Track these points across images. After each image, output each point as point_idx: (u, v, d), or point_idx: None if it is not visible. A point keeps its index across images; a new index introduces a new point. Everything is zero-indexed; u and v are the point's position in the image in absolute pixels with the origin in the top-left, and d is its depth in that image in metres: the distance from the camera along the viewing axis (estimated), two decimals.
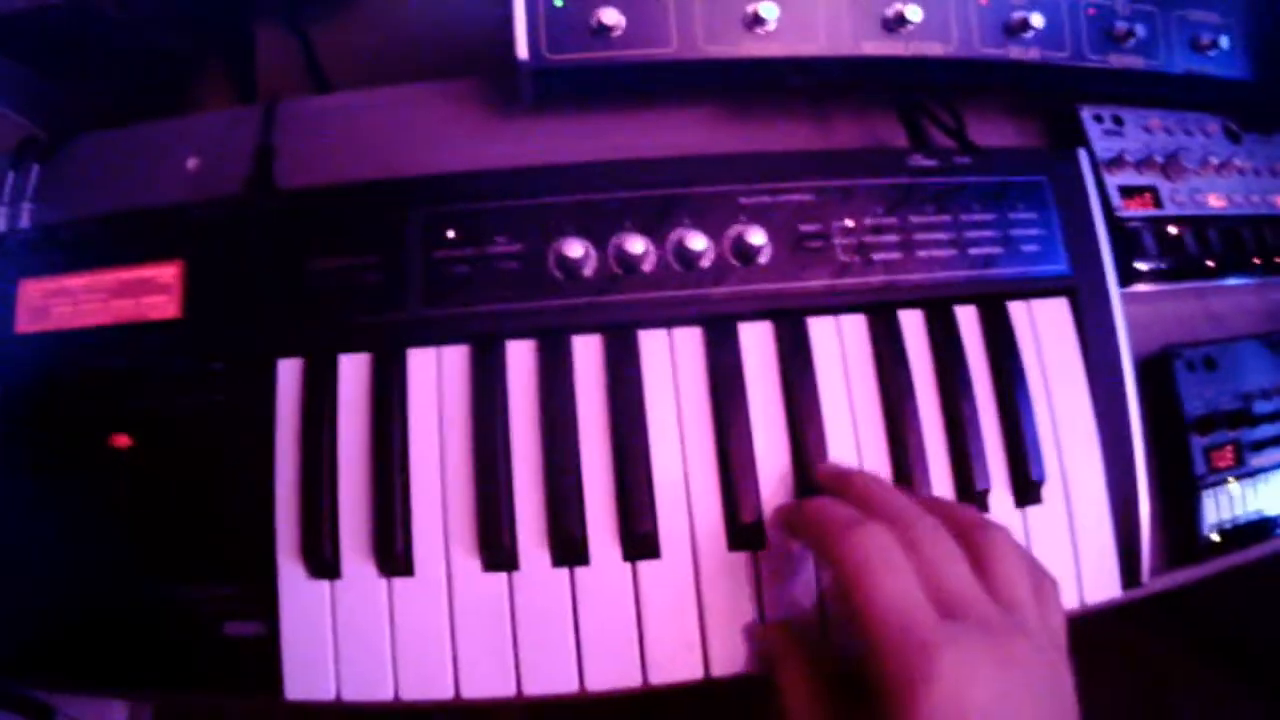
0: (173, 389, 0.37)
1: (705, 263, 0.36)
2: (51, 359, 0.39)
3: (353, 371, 0.36)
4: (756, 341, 0.36)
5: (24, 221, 0.42)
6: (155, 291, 0.38)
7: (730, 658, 0.34)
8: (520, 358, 0.36)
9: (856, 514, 0.29)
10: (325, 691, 0.35)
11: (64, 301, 0.39)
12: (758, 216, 0.36)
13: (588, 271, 0.36)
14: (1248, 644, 0.62)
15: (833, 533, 0.29)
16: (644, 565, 0.34)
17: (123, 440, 0.37)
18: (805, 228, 0.37)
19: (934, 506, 0.31)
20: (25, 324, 0.39)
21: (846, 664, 0.30)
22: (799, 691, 0.30)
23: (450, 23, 0.51)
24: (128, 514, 0.37)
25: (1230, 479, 0.43)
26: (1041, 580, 0.30)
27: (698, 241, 0.35)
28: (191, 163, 0.41)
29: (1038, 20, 0.43)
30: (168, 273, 0.38)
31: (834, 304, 0.37)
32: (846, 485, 0.33)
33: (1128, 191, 0.45)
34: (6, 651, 0.37)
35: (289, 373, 0.36)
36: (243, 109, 0.43)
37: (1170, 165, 0.46)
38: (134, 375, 0.38)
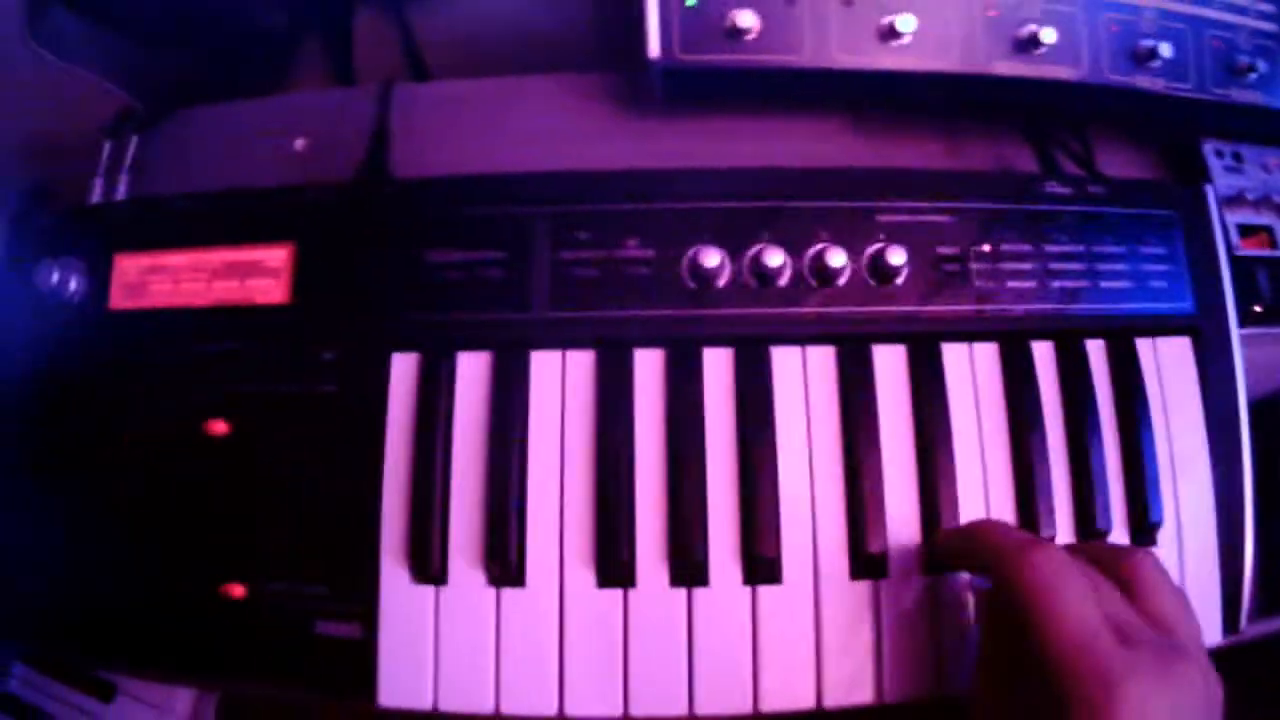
0: (278, 377, 0.36)
1: (842, 280, 0.35)
2: (147, 338, 0.37)
3: (472, 370, 0.35)
4: (890, 364, 0.35)
5: (120, 193, 0.41)
6: (263, 274, 0.37)
7: (844, 688, 0.33)
8: (648, 367, 0.35)
9: (1033, 536, 0.29)
10: (422, 700, 0.33)
11: (163, 279, 0.38)
12: (897, 235, 0.35)
13: (722, 282, 0.34)
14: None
15: (1012, 551, 0.28)
16: (764, 589, 0.33)
17: (220, 427, 0.36)
18: (943, 250, 0.36)
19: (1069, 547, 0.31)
20: (120, 300, 0.38)
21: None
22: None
23: (556, 15, 0.50)
24: (220, 502, 0.36)
25: None
26: (1187, 598, 0.30)
27: (837, 257, 0.34)
28: (299, 143, 0.40)
29: (1166, 50, 0.42)
30: (277, 256, 0.37)
31: (968, 330, 0.36)
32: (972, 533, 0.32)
33: (1245, 230, 0.44)
34: (84, 633, 0.36)
35: (404, 367, 0.35)
36: (353, 90, 0.41)
37: None
38: (237, 360, 0.36)
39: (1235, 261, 0.43)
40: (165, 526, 0.36)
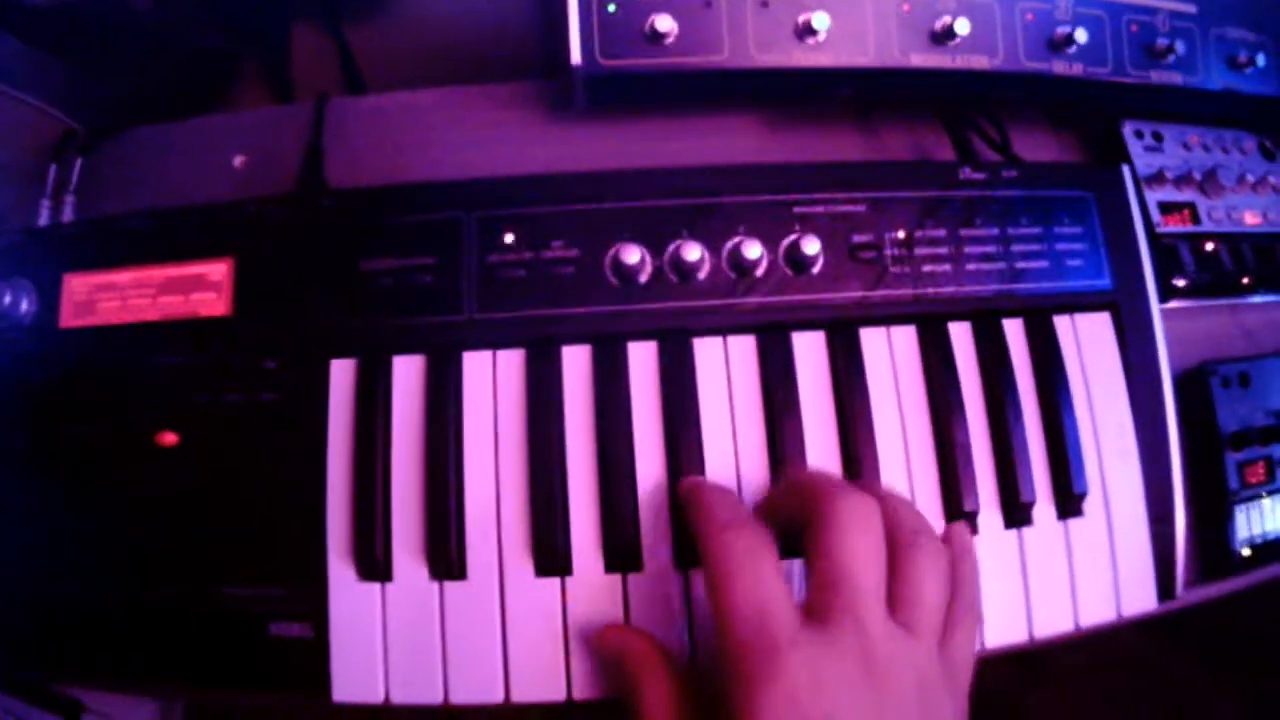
0: (222, 387, 0.37)
1: (760, 271, 0.36)
2: (97, 354, 0.38)
3: (407, 373, 0.36)
4: (809, 350, 0.36)
5: (67, 214, 0.42)
6: (205, 288, 0.38)
7: None
8: (575, 362, 0.36)
9: (737, 515, 0.29)
10: (374, 694, 0.35)
11: (111, 296, 0.39)
12: (812, 226, 0.37)
13: (644, 278, 0.36)
14: (1262, 662, 0.63)
15: (708, 531, 0.28)
16: (696, 572, 0.34)
17: (169, 438, 0.37)
18: (858, 238, 0.37)
19: (889, 504, 0.30)
20: (70, 318, 0.39)
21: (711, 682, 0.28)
22: (662, 701, 0.29)
23: (486, 26, 0.51)
24: (172, 512, 0.37)
25: (1263, 494, 0.44)
26: (961, 612, 0.29)
27: (753, 250, 0.35)
28: (238, 160, 0.41)
29: (1081, 36, 0.43)
30: (218, 270, 0.38)
31: (885, 315, 0.37)
32: (797, 480, 0.31)
33: (1166, 208, 0.45)
34: (44, 649, 0.37)
35: (342, 373, 0.36)
36: (289, 107, 0.43)
37: (1208, 182, 0.46)
38: (183, 372, 0.37)
39: (1156, 238, 0.44)
40: (119, 539, 0.37)
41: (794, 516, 0.29)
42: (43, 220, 0.42)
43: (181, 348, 0.38)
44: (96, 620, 0.36)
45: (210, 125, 0.43)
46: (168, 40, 0.47)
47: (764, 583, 0.26)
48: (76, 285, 0.39)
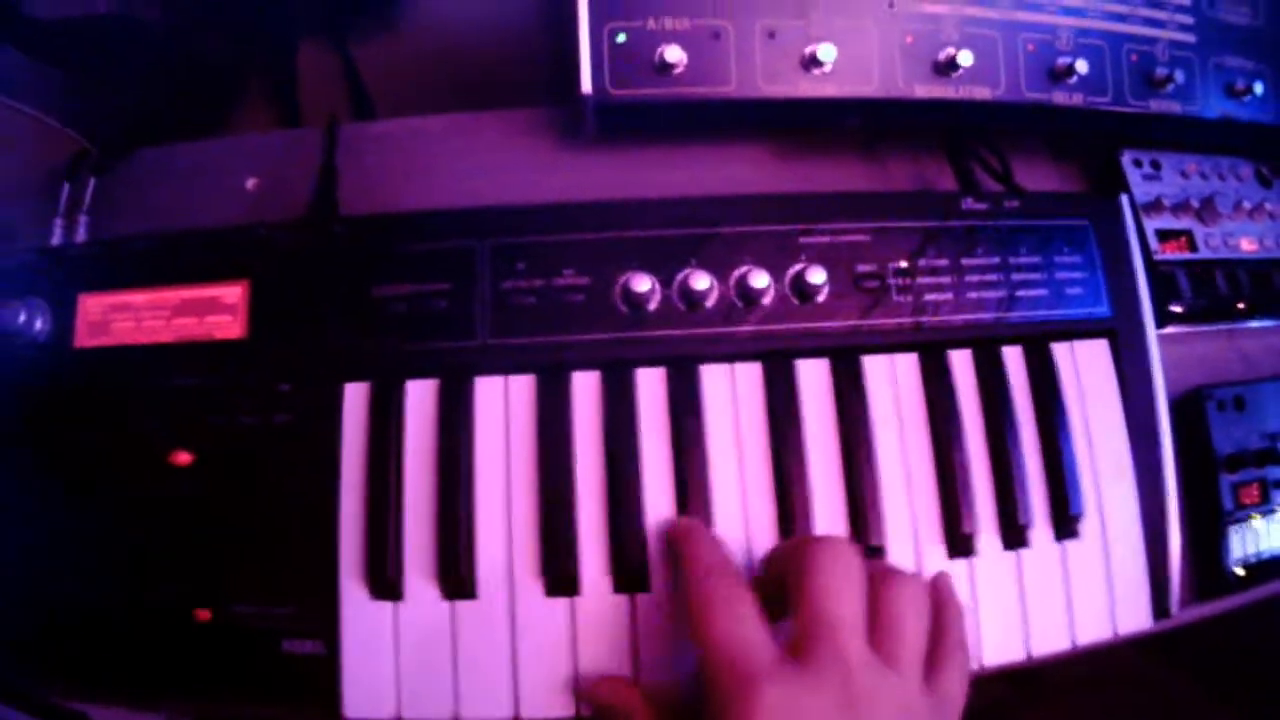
0: (237, 408, 0.38)
1: (766, 300, 0.37)
2: (112, 375, 0.39)
3: (420, 397, 0.37)
4: (814, 377, 0.37)
5: (81, 235, 0.43)
6: (220, 311, 0.39)
7: None
8: (585, 388, 0.37)
9: (719, 561, 0.30)
10: (385, 711, 0.35)
11: (126, 317, 0.40)
12: (817, 255, 0.37)
13: (653, 306, 0.36)
14: (1258, 678, 0.64)
15: (693, 575, 0.30)
16: None
17: (184, 458, 0.38)
18: (862, 268, 0.38)
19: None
20: (85, 338, 0.40)
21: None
22: None
23: (494, 47, 0.52)
24: (187, 530, 0.37)
25: (1256, 515, 0.45)
26: (949, 647, 0.30)
27: (760, 279, 0.36)
28: (250, 183, 0.42)
29: (1082, 66, 0.44)
30: (233, 293, 0.39)
31: (888, 342, 0.38)
32: (782, 547, 0.32)
33: (1164, 235, 0.46)
34: (57, 664, 0.38)
35: (355, 396, 0.37)
36: (300, 130, 0.43)
37: (1205, 209, 0.47)
38: (198, 394, 0.38)
39: (1154, 266, 0.45)
40: (133, 556, 0.37)
41: (783, 581, 0.30)
42: (56, 239, 0.42)
43: (196, 369, 0.38)
44: (109, 636, 0.37)
45: (222, 148, 0.44)
46: (176, 56, 0.48)
47: (744, 620, 0.27)
48: (91, 305, 0.40)
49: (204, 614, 0.36)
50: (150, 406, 0.39)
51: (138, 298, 0.40)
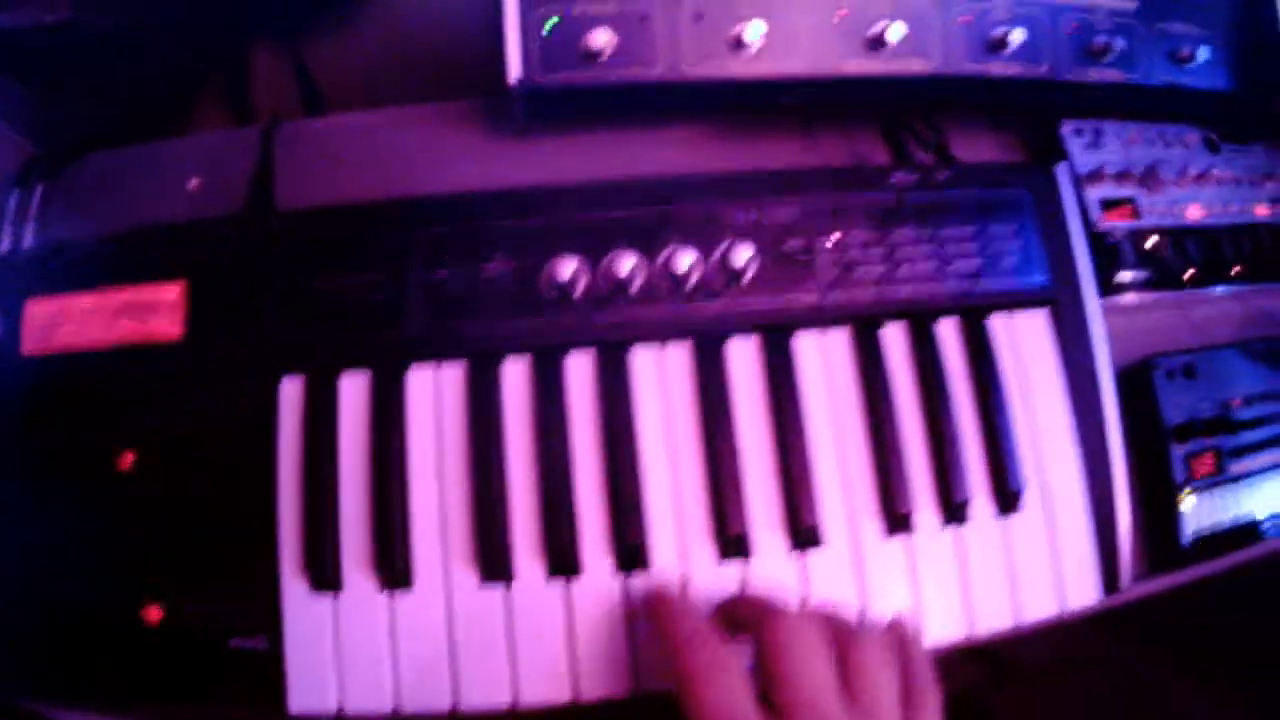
0: (177, 407, 0.38)
1: (693, 280, 0.37)
2: (58, 379, 0.40)
3: (353, 388, 0.37)
4: (744, 356, 0.37)
5: (28, 241, 0.43)
6: (159, 311, 0.39)
7: None
8: (516, 374, 0.37)
9: (696, 629, 0.31)
10: (327, 704, 0.36)
11: (69, 322, 0.40)
12: (744, 234, 0.37)
13: (580, 290, 0.37)
14: (1227, 654, 0.63)
15: (675, 646, 0.30)
16: (635, 576, 0.35)
17: (129, 458, 0.38)
18: (790, 244, 0.38)
19: (824, 615, 0.32)
20: (31, 344, 0.40)
21: None
22: None
23: (444, 42, 0.52)
24: (134, 530, 0.38)
25: (1210, 486, 0.44)
26: (920, 690, 0.31)
27: (685, 259, 0.36)
28: (193, 183, 0.42)
29: (1018, 36, 0.44)
30: (171, 292, 0.39)
31: (819, 319, 0.38)
32: (737, 605, 0.34)
33: (1108, 204, 0.46)
34: (7, 665, 0.38)
35: (291, 390, 0.37)
36: (242, 130, 0.44)
37: (1149, 177, 0.47)
38: (139, 394, 0.39)
39: (1095, 235, 0.45)
40: (81, 558, 0.38)
41: (743, 628, 0.32)
42: (4, 247, 0.43)
43: (139, 369, 0.39)
44: (58, 639, 0.37)
45: (167, 149, 0.44)
46: (127, 61, 0.48)
47: (732, 692, 0.29)
48: (37, 311, 0.41)
49: (153, 615, 0.37)
50: (95, 409, 0.39)
51: (82, 301, 0.40)
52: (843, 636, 0.31)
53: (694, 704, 0.28)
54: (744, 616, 0.33)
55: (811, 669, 0.29)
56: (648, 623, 0.35)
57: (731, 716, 0.28)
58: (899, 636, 0.33)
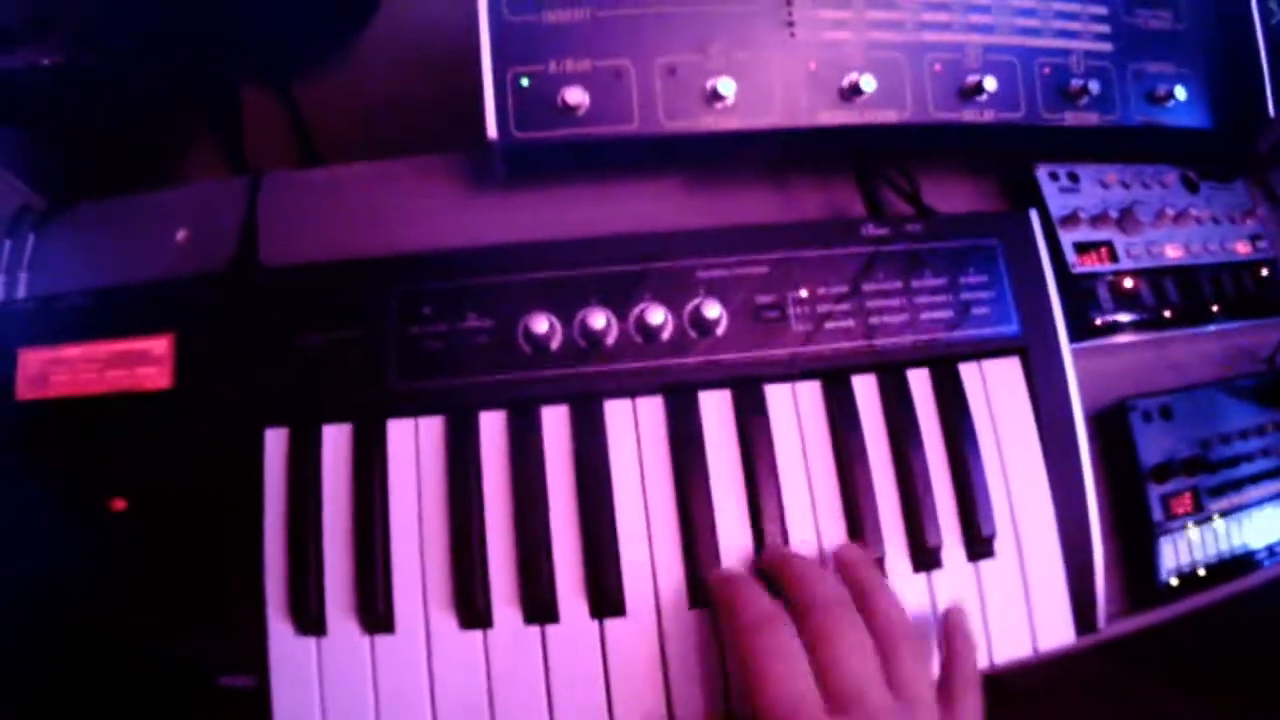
0: (165, 456, 0.39)
1: (665, 335, 0.38)
2: (51, 426, 0.41)
3: (336, 440, 0.38)
4: (716, 409, 0.38)
5: (20, 291, 0.45)
6: (148, 363, 0.40)
7: (692, 709, 0.36)
8: (492, 428, 0.38)
9: (763, 611, 0.32)
10: None
11: (62, 371, 0.41)
12: (715, 290, 0.38)
13: (554, 345, 0.38)
14: (1227, 676, 0.63)
15: (738, 628, 0.32)
16: (611, 622, 0.36)
17: (120, 504, 0.40)
18: (761, 299, 0.38)
19: (866, 594, 0.34)
20: (25, 391, 0.42)
21: None
22: None
23: (434, 83, 0.53)
24: (126, 573, 0.39)
25: (1189, 524, 0.45)
26: (961, 684, 0.33)
27: (657, 315, 0.37)
28: (180, 235, 0.44)
29: (991, 84, 0.44)
30: (159, 345, 0.40)
31: (790, 372, 0.38)
32: (783, 567, 0.35)
33: (1082, 248, 0.46)
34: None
35: (276, 441, 0.38)
36: (229, 182, 0.45)
37: (1126, 219, 0.47)
38: (130, 442, 0.40)
39: (1071, 279, 0.46)
40: (74, 595, 0.39)
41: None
42: None
43: (129, 418, 0.40)
44: (50, 677, 0.38)
45: (157, 199, 0.45)
46: (122, 106, 0.50)
47: (797, 678, 0.30)
48: (30, 360, 0.42)
49: (143, 651, 0.38)
50: (86, 455, 0.40)
51: (73, 351, 0.41)
52: (883, 637, 0.32)
53: (759, 690, 0.30)
54: (792, 598, 0.34)
55: (859, 663, 0.31)
56: (713, 603, 0.36)
57: (798, 696, 0.29)
58: (948, 624, 0.35)
